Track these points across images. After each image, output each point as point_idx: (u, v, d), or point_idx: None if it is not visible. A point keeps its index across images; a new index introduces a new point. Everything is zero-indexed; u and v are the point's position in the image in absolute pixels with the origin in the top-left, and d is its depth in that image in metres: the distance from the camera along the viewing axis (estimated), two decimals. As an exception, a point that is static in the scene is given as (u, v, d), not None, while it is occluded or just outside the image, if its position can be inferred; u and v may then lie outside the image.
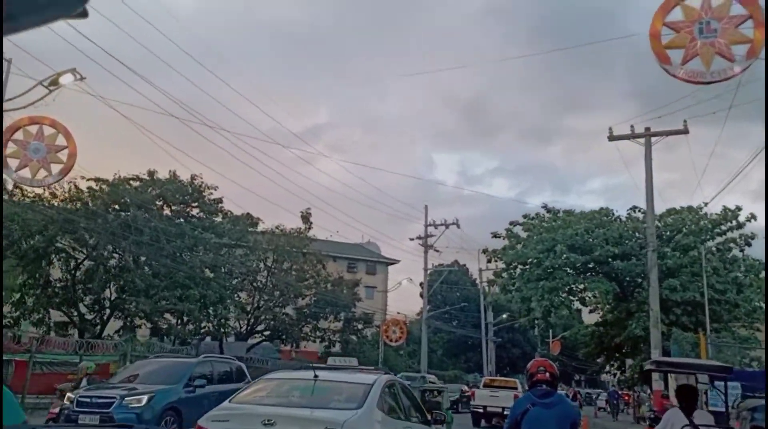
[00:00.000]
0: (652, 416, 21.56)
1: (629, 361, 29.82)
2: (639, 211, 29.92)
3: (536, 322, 30.64)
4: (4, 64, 18.25)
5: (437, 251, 49.32)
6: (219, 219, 36.83)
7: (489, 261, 31.59)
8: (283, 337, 39.49)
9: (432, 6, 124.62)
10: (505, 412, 19.55)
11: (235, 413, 7.01)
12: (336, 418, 6.56)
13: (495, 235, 32.48)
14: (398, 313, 66.49)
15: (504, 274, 31.93)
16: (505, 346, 67.92)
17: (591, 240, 28.49)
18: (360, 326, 42.93)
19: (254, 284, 38.25)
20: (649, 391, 48.79)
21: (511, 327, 68.75)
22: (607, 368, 43.87)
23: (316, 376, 7.42)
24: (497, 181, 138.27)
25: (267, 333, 39.98)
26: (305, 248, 40.47)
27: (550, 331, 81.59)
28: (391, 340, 45.34)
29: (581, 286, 28.40)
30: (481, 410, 25.45)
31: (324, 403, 7.18)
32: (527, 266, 30.15)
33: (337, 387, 7.69)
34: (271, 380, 8.15)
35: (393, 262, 63.66)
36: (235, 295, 37.46)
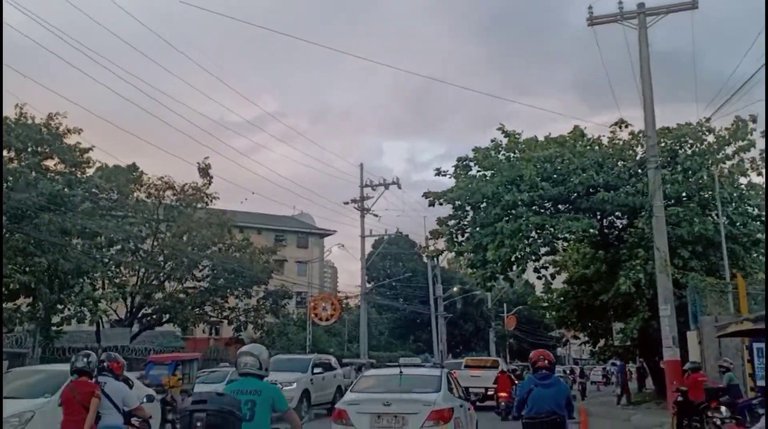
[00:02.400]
0: (680, 398, 14.03)
1: (618, 326, 22.26)
2: (625, 126, 22.30)
3: (492, 281, 22.64)
4: None
5: (375, 216, 41.30)
6: (91, 171, 27.81)
7: (431, 204, 23.50)
8: (177, 319, 30.56)
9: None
10: (489, 392, 22.92)
11: (361, 399, 9.97)
12: (428, 399, 9.59)
13: (439, 173, 24.46)
14: (339, 293, 58.36)
15: (450, 222, 23.92)
16: (457, 322, 60.44)
17: (565, 165, 20.74)
18: (279, 304, 34.20)
19: (138, 254, 29.45)
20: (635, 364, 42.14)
21: (464, 301, 61.30)
22: (577, 339, 36.42)
23: (401, 372, 10.60)
24: (445, 166, 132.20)
25: (154, 316, 30.99)
26: (204, 208, 31.78)
27: (505, 305, 74.98)
28: (321, 319, 37.08)
29: (551, 228, 20.55)
30: None
31: (414, 389, 10.06)
32: (482, 204, 22.24)
33: (418, 378, 10.72)
34: (370, 377, 11.56)
35: (327, 233, 55.24)
36: (112, 268, 28.55)
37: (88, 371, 7.20)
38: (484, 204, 22.09)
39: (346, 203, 40.88)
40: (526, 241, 20.77)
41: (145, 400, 10.27)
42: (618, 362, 37.69)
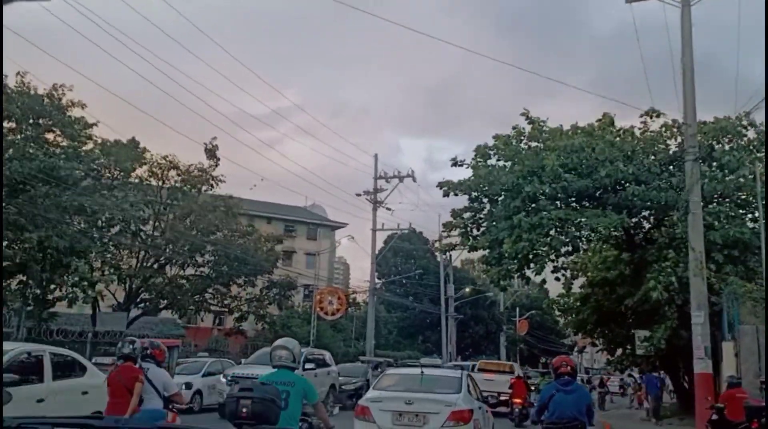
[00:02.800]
0: (715, 416, 12.43)
1: (641, 334, 20.51)
2: (657, 116, 20.44)
3: (506, 280, 21.03)
4: None
5: (388, 209, 39.81)
6: (89, 146, 26.62)
7: (446, 194, 21.87)
8: (176, 306, 29.26)
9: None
10: (501, 398, 21.84)
11: (383, 396, 10.12)
12: (449, 399, 9.76)
13: (456, 163, 22.85)
14: (350, 288, 56.97)
15: (465, 215, 22.31)
16: (468, 323, 58.75)
17: (592, 157, 19.03)
18: (284, 295, 32.66)
19: (139, 236, 28.19)
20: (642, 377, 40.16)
21: (476, 302, 59.68)
22: (594, 346, 34.62)
23: (422, 372, 10.72)
24: (462, 167, 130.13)
25: (152, 300, 29.70)
26: (210, 191, 30.51)
27: (517, 309, 73.13)
28: (326, 313, 35.65)
29: (574, 224, 18.78)
30: None
31: (435, 389, 10.21)
32: (500, 196, 20.65)
33: (439, 379, 10.87)
34: (392, 375, 11.77)
35: (339, 225, 53.79)
36: (110, 249, 27.29)
37: (133, 357, 7.52)
38: (503, 196, 20.48)
39: (359, 195, 39.45)
40: (547, 238, 19.13)
41: (183, 387, 10.56)
42: (635, 374, 35.78)
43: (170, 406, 7.68)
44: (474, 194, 22.19)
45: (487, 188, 21.57)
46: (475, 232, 22.22)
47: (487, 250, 21.07)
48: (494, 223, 20.90)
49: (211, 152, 30.33)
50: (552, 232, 19.09)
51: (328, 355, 21.76)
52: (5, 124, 24.18)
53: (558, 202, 19.31)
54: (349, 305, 47.64)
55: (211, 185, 30.38)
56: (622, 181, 19.28)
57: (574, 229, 19.43)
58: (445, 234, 23.26)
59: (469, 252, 21.71)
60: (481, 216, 22.00)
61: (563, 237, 19.82)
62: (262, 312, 31.46)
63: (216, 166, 30.49)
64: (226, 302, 31.21)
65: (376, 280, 45.21)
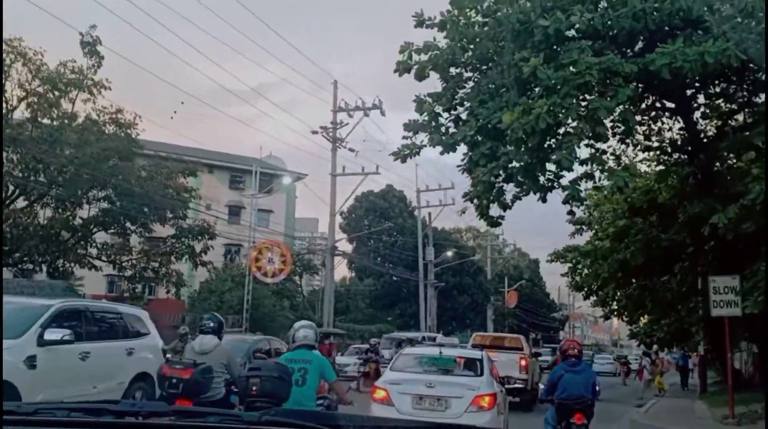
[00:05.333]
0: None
1: (723, 282, 12.06)
2: None
3: (499, 197, 12.17)
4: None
5: (351, 151, 31.24)
6: None
7: (402, 73, 13.24)
8: (34, 261, 20.41)
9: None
10: (515, 384, 16.27)
11: (403, 378, 9.27)
12: (472, 383, 9.04)
13: (421, 23, 14.13)
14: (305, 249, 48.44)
15: (433, 101, 13.69)
16: (450, 293, 50.44)
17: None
18: (189, 246, 23.28)
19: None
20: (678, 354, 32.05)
21: (459, 269, 51.45)
22: (613, 313, 26.19)
23: (441, 352, 9.97)
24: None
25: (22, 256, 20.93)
26: (90, 101, 21.71)
27: (506, 279, 65.12)
28: (265, 274, 27.10)
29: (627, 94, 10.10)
30: None
31: (456, 371, 9.76)
32: (497, 53, 12.03)
33: (459, 360, 10.05)
34: (409, 355, 10.45)
35: (299, 176, 45.03)
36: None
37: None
38: (501, 48, 11.84)
39: (315, 132, 30.80)
40: (582, 103, 10.47)
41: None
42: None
43: None
44: (451, 69, 13.64)
45: (471, 53, 13.06)
46: (451, 125, 13.63)
47: (470, 149, 12.51)
48: (484, 100, 12.33)
49: (90, 47, 21.43)
50: (588, 96, 10.44)
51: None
52: None
53: (596, 45, 10.66)
54: (302, 268, 39.16)
55: (91, 93, 21.55)
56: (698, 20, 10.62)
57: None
58: (407, 139, 14.39)
59: (442, 153, 13.03)
60: (462, 94, 13.42)
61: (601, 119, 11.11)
62: (164, 268, 22.59)
63: (99, 66, 21.63)
64: (108, 255, 22.28)
65: (339, 237, 36.99)
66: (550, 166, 11.27)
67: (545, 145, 10.97)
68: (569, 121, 10.07)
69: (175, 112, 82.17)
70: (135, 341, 9.90)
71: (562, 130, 10.94)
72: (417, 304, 43.69)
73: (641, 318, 25.04)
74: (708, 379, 24.00)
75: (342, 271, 56.94)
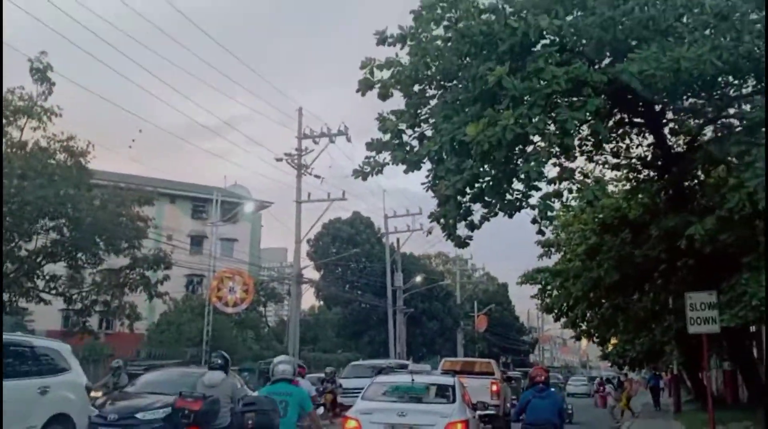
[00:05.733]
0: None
1: (700, 298, 11.66)
2: None
3: (465, 218, 11.59)
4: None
5: (317, 177, 30.48)
6: None
7: (365, 92, 12.65)
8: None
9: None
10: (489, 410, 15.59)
11: (373, 408, 9.07)
12: (444, 410, 8.89)
13: (384, 41, 13.54)
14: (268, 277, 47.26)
15: (396, 118, 13.09)
16: (420, 319, 49.62)
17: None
18: (144, 277, 22.00)
19: None
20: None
21: (429, 295, 50.70)
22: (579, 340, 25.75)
23: (413, 379, 9.75)
24: (417, 178, 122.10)
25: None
26: (39, 129, 20.68)
27: (475, 303, 64.60)
28: (226, 304, 26.01)
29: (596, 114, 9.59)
30: None
31: (428, 399, 9.50)
32: (462, 68, 11.45)
33: (431, 387, 9.86)
34: (381, 384, 10.03)
35: (264, 205, 44.04)
36: None
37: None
38: (468, 60, 11.31)
39: (279, 160, 30.01)
40: (550, 115, 9.93)
41: None
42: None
43: None
44: (415, 86, 13.13)
45: (434, 68, 12.57)
46: (415, 145, 13.04)
47: (435, 165, 11.92)
48: (449, 115, 11.77)
49: (42, 74, 20.47)
50: (557, 107, 9.93)
51: (63, 350, 10.50)
52: None
53: (564, 56, 10.20)
54: (266, 297, 38.04)
55: (40, 120, 20.49)
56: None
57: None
58: (369, 158, 13.71)
59: (406, 171, 12.36)
60: (426, 111, 12.87)
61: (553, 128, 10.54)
62: (116, 301, 21.34)
63: (49, 93, 20.65)
64: (56, 287, 20.96)
65: (306, 264, 36.03)
66: (518, 185, 10.68)
67: (512, 160, 10.43)
68: (536, 133, 9.50)
69: (133, 140, 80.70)
70: (51, 378, 8.82)
71: (530, 148, 10.42)
72: (386, 331, 42.74)
73: (612, 339, 24.60)
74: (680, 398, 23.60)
75: (310, 300, 55.82)
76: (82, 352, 25.53)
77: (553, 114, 9.68)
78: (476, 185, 10.80)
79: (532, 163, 9.54)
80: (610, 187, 16.03)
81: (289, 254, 76.03)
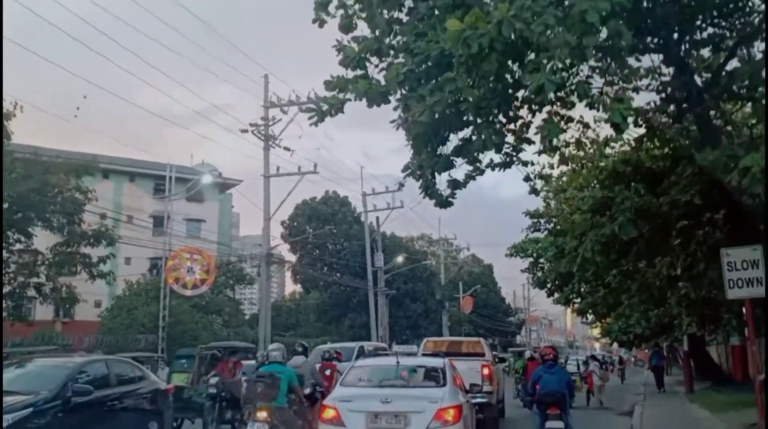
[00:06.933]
0: None
1: (740, 253, 9.32)
2: None
3: (457, 156, 9.02)
4: None
5: (286, 149, 27.76)
6: None
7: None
8: None
9: None
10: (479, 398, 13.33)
11: (354, 394, 8.24)
12: (434, 395, 8.07)
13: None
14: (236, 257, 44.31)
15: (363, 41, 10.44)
16: (402, 301, 47.20)
17: None
18: (83, 256, 19.09)
19: None
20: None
21: (411, 275, 48.29)
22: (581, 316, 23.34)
23: (398, 362, 8.91)
24: (399, 160, 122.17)
25: None
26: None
27: (460, 285, 62.39)
28: (185, 286, 23.28)
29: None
30: None
31: (416, 383, 8.70)
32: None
33: (419, 370, 9.11)
34: (363, 367, 9.45)
35: (232, 183, 41.15)
36: None
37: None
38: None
39: (245, 131, 27.24)
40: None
41: None
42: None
43: None
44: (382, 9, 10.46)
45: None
46: (381, 78, 10.40)
47: (407, 92, 9.29)
48: (422, 32, 9.13)
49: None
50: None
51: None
52: None
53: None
54: (233, 278, 35.34)
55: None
56: None
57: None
58: (328, 93, 10.96)
59: (369, 105, 9.74)
60: (396, 31, 10.20)
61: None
62: (51, 284, 18.47)
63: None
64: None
65: (274, 242, 33.35)
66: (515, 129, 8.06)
67: (510, 72, 7.82)
68: (544, 30, 6.88)
69: (78, 108, 71.83)
70: None
71: (531, 56, 7.79)
72: (368, 314, 40.32)
73: (610, 314, 22.29)
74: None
75: (291, 286, 53.23)
76: (30, 342, 22.82)
77: (566, 2, 7.06)
78: (461, 107, 8.16)
79: (545, 73, 6.86)
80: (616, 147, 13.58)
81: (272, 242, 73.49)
